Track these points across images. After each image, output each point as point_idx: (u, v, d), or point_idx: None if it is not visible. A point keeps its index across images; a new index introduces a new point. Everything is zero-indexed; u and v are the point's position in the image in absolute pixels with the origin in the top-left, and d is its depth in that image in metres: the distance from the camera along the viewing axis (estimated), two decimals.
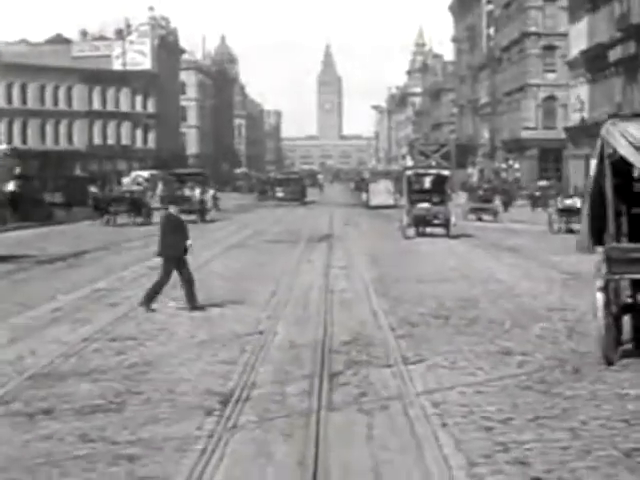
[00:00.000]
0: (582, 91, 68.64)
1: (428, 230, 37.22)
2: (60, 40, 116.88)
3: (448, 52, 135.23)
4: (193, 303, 16.32)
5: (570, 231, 38.32)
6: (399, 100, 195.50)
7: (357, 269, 24.08)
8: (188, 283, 16.35)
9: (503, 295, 18.87)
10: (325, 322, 15.19)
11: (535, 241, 35.54)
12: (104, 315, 16.03)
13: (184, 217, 44.23)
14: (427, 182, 38.99)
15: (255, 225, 45.23)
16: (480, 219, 49.72)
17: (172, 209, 17.02)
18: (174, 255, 16.33)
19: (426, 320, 15.53)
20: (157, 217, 45.66)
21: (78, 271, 23.49)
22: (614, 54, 59.27)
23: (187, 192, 45.37)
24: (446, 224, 36.69)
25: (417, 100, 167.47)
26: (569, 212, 39.83)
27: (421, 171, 41.35)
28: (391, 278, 21.93)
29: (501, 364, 11.87)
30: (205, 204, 45.72)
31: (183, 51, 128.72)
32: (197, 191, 45.69)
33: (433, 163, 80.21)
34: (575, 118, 70.11)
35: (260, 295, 18.62)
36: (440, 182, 38.41)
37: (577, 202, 40.26)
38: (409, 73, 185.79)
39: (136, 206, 44.16)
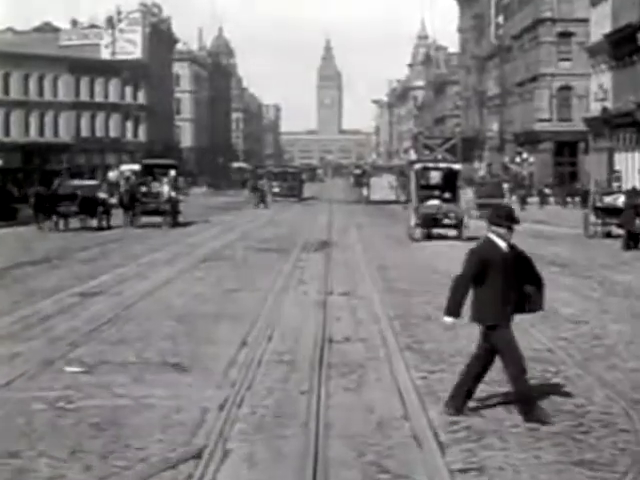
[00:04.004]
0: (605, 79, 63.32)
1: (438, 231, 32.84)
2: (48, 29, 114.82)
3: (452, 43, 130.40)
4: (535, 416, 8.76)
5: (608, 235, 32.61)
6: (400, 94, 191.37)
7: (366, 297, 17.37)
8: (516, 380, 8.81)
9: (591, 350, 12.33)
10: (317, 426, 8.48)
11: (575, 249, 29.91)
12: None
13: (146, 220, 37.89)
14: (437, 177, 35.35)
15: (239, 228, 38.27)
16: (482, 217, 44.90)
17: (493, 233, 8.78)
18: (506, 317, 8.80)
19: (488, 415, 9.00)
20: (117, 219, 38.31)
21: None
22: None
23: (157, 188, 37.92)
24: (458, 225, 32.36)
25: (419, 93, 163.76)
26: (609, 212, 33.89)
27: (430, 165, 37.33)
28: (415, 314, 15.42)
29: None
30: (177, 203, 38.06)
31: (176, 41, 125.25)
32: (166, 188, 37.82)
33: (439, 156, 76.90)
34: (596, 108, 64.97)
35: (220, 351, 12.09)
36: (451, 177, 34.19)
37: (619, 199, 34.36)
38: (411, 66, 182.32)
39: (90, 206, 36.30)
